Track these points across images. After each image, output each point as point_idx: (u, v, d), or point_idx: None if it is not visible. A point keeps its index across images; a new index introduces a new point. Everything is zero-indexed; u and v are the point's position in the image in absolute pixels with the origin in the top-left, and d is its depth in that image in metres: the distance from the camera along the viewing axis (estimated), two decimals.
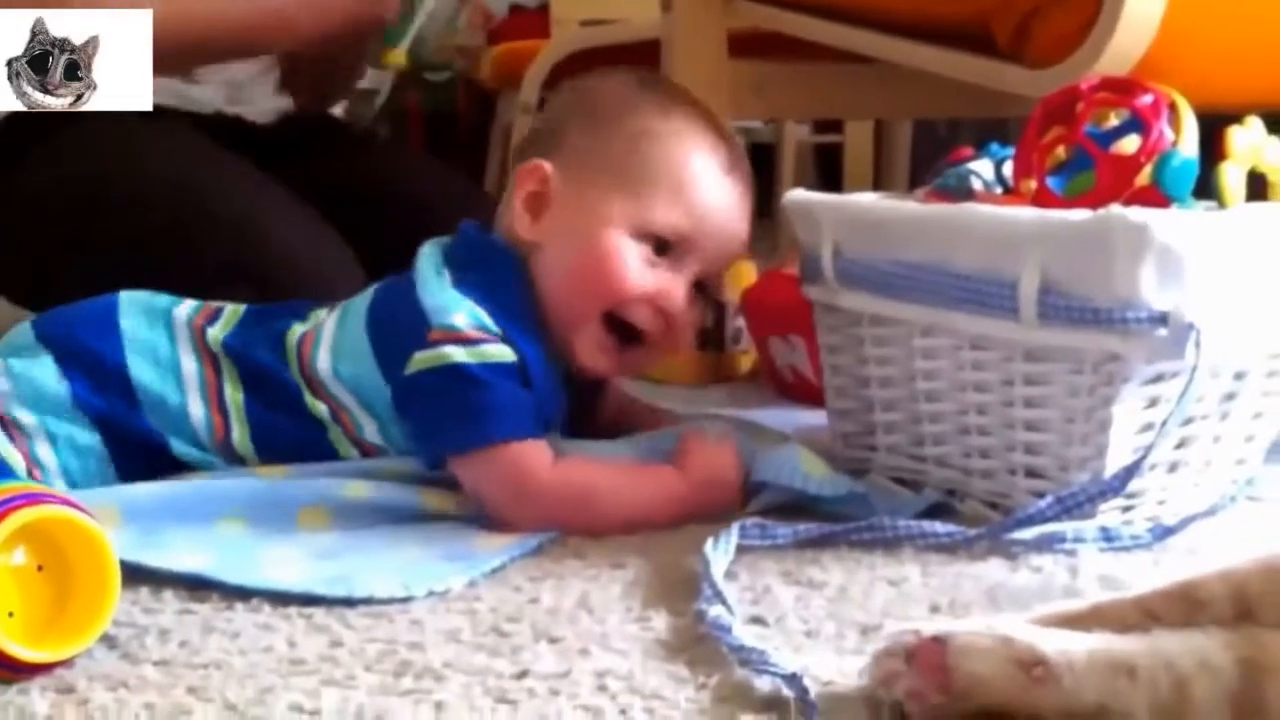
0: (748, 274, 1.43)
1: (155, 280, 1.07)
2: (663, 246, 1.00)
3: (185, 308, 1.04)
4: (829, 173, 3.16)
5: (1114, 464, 0.91)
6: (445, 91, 3.61)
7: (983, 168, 1.07)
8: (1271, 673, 0.61)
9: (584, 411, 1.07)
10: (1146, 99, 0.97)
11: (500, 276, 1.00)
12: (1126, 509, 0.94)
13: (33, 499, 0.73)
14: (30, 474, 0.95)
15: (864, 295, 1.02)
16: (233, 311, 1.05)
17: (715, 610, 0.77)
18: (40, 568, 0.73)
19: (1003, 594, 0.83)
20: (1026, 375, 0.94)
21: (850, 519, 0.93)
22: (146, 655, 0.75)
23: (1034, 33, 1.27)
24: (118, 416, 0.98)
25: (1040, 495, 0.92)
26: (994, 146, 1.09)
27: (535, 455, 0.94)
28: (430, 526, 0.94)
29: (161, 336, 1.01)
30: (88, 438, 0.98)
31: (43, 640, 0.71)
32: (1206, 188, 0.97)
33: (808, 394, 1.32)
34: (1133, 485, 0.91)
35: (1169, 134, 0.95)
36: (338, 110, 2.78)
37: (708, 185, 1.02)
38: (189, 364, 1.01)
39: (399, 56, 2.81)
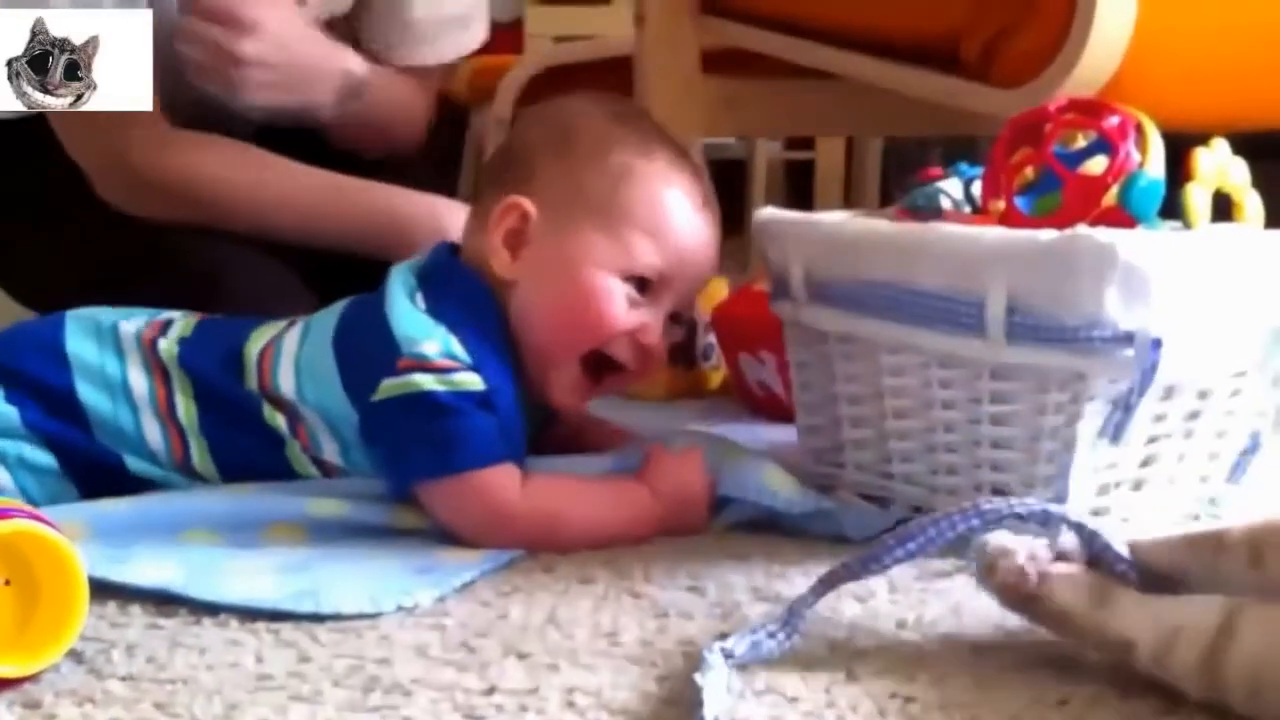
0: (718, 291, 1.44)
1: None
2: (643, 285, 1.01)
3: (132, 323, 1.03)
4: (800, 190, 3.17)
5: (1077, 482, 0.92)
6: None
7: (952, 187, 1.08)
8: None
9: (541, 427, 1.07)
10: (1113, 120, 0.98)
11: (473, 304, 0.99)
12: None
13: None
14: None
15: (832, 313, 1.03)
16: (185, 323, 1.04)
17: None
18: (7, 582, 0.72)
19: (967, 610, 0.83)
20: (993, 393, 0.94)
21: (814, 534, 0.95)
22: (113, 670, 0.74)
23: (1002, 53, 1.28)
24: (69, 438, 0.98)
25: None
26: (963, 166, 1.10)
27: (504, 481, 0.94)
28: (399, 541, 0.94)
29: (110, 357, 1.00)
30: (42, 457, 0.97)
31: (9, 655, 0.71)
32: (1174, 208, 0.98)
33: (777, 410, 1.33)
34: (1097, 503, 0.92)
35: (1135, 155, 0.96)
36: None
37: (685, 224, 1.02)
38: (139, 380, 1.00)
39: None
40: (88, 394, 0.99)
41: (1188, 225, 0.98)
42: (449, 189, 2.58)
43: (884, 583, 0.87)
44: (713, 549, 0.95)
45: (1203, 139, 1.01)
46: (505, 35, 3.21)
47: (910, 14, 1.37)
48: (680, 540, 0.96)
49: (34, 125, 1.28)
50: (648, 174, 1.02)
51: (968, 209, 1.07)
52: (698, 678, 0.70)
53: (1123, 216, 0.94)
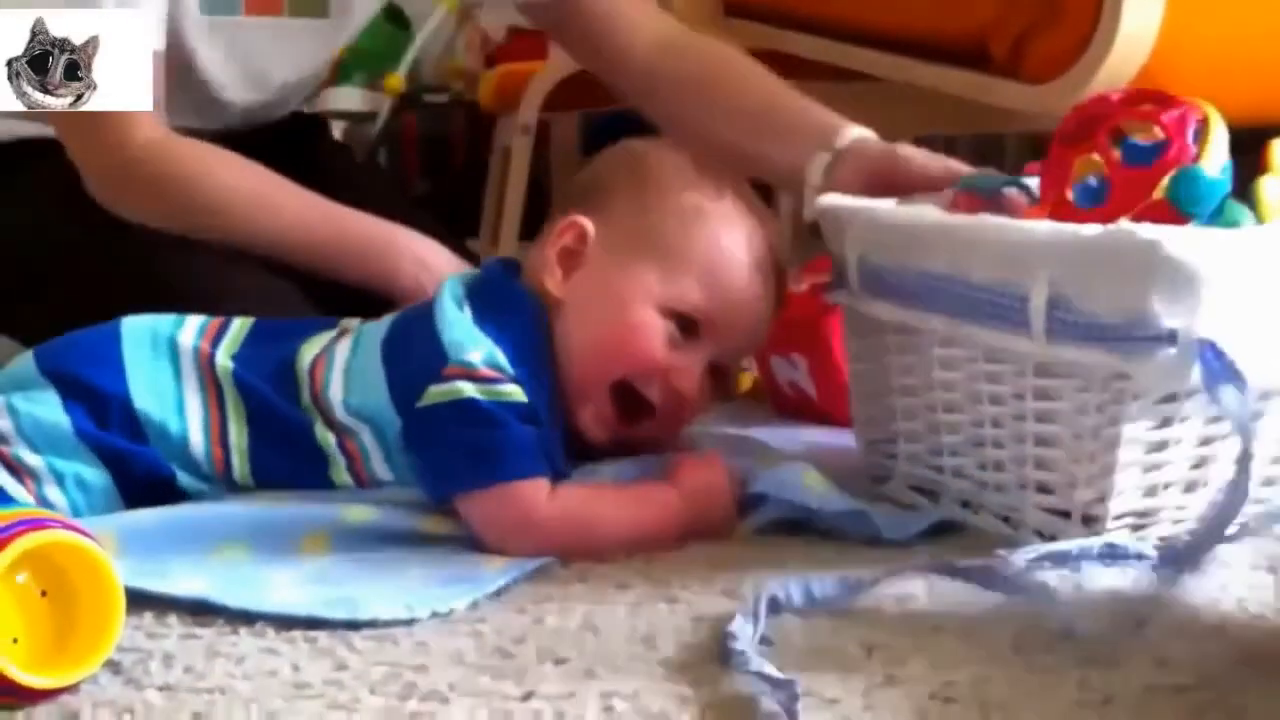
0: None
1: None
2: (687, 326, 1.00)
3: (190, 332, 1.02)
4: None
5: (1122, 483, 0.90)
6: (443, 114, 3.61)
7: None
8: None
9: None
10: (1174, 113, 0.95)
11: (521, 320, 0.99)
12: (1138, 528, 0.93)
13: (36, 524, 0.73)
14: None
15: (886, 303, 1.02)
16: (239, 328, 1.04)
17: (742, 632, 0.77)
18: (44, 593, 0.73)
19: (1006, 611, 0.83)
20: (1037, 390, 0.93)
21: (849, 536, 0.95)
22: (151, 681, 0.74)
23: (1030, 49, 1.28)
24: (123, 449, 0.98)
25: (1049, 512, 0.93)
26: None
27: (536, 492, 0.93)
28: (432, 549, 0.94)
29: (165, 369, 1.01)
30: (95, 475, 0.97)
31: (47, 666, 0.71)
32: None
33: (809, 411, 1.32)
34: (1145, 504, 0.91)
35: (1192, 150, 0.94)
36: (337, 133, 2.78)
37: (741, 273, 1.02)
38: (193, 400, 1.00)
39: (397, 80, 2.82)
40: (141, 398, 0.99)
41: (1260, 219, 0.94)
42: (474, 195, 2.59)
43: (922, 584, 0.87)
44: (748, 554, 0.94)
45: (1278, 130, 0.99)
46: (530, 42, 3.21)
47: (938, 12, 1.37)
48: (715, 545, 0.96)
49: (21, 149, 1.28)
50: (714, 217, 1.02)
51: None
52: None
53: (1170, 211, 0.92)
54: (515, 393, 0.94)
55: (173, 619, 0.83)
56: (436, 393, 0.94)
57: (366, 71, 2.95)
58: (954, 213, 1.01)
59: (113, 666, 0.75)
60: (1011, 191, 1.03)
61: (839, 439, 1.22)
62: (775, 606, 0.82)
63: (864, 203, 1.05)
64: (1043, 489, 0.94)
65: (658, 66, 1.27)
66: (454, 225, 1.33)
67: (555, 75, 2.16)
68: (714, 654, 0.77)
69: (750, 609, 0.80)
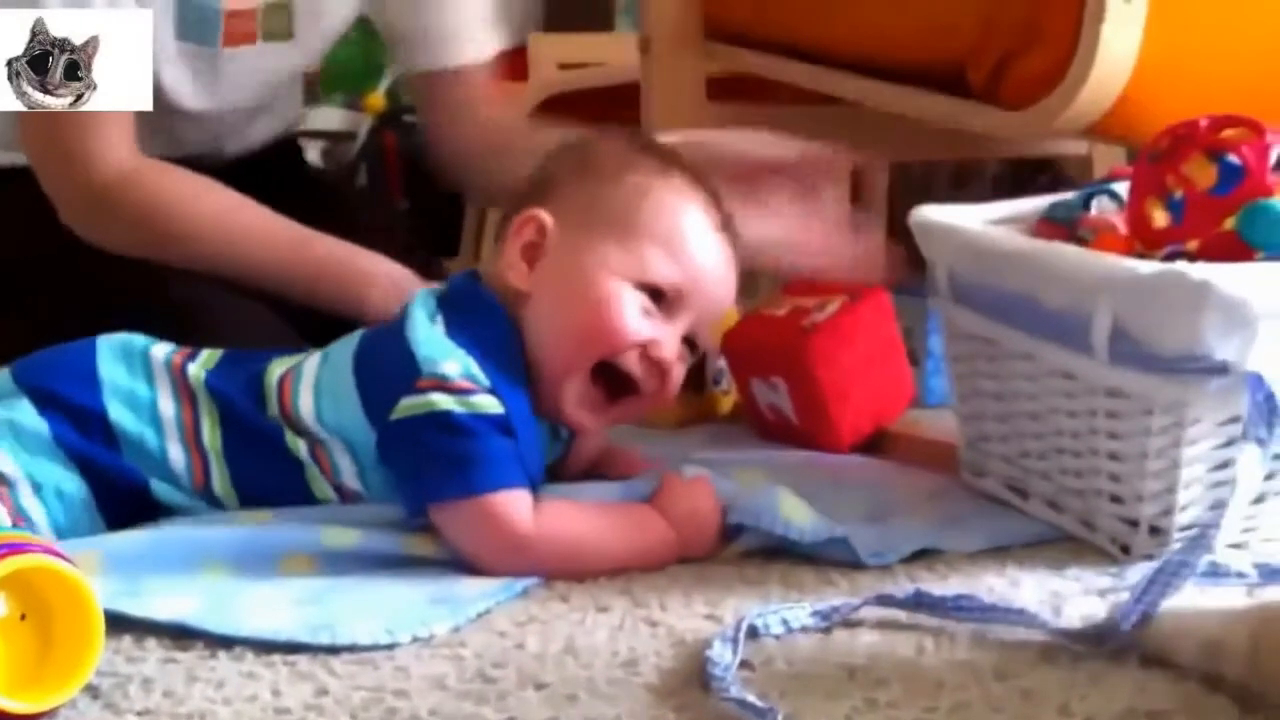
0: (729, 315, 1.44)
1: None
2: (657, 297, 1.01)
3: (162, 349, 1.03)
4: None
5: (1186, 499, 0.95)
6: (423, 133, 3.62)
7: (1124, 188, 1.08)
8: None
9: (560, 458, 1.07)
10: (1257, 142, 0.97)
11: (491, 329, 0.99)
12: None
13: (15, 548, 0.72)
14: (15, 525, 0.94)
15: (974, 315, 1.07)
16: (210, 353, 1.04)
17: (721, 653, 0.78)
18: (23, 617, 0.72)
19: (989, 635, 0.83)
20: (1107, 410, 0.97)
21: (829, 560, 0.95)
22: (130, 705, 0.74)
23: (1009, 75, 1.28)
24: (99, 457, 0.97)
25: (1122, 521, 0.97)
26: None
27: (517, 507, 0.93)
28: (413, 570, 0.94)
29: (140, 381, 1.01)
30: (73, 484, 0.97)
31: (26, 690, 0.71)
32: None
33: (789, 435, 1.32)
34: (1211, 516, 0.92)
35: (1270, 181, 0.95)
36: (313, 155, 2.78)
37: (701, 241, 1.03)
38: (167, 406, 1.00)
39: (378, 99, 2.81)
40: (117, 412, 0.99)
41: None
42: (454, 214, 2.58)
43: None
44: (729, 576, 0.94)
45: None
46: (509, 62, 3.22)
47: (916, 38, 1.37)
48: (696, 568, 0.96)
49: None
50: (665, 191, 1.03)
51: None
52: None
53: (1238, 244, 0.94)
54: (490, 404, 0.94)
55: (151, 643, 0.82)
56: (409, 405, 0.94)
57: (345, 91, 2.95)
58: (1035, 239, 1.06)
59: (91, 691, 0.75)
60: (1093, 213, 1.07)
61: (820, 460, 1.22)
62: (754, 633, 0.82)
63: (955, 218, 1.10)
64: (1115, 499, 0.98)
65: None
66: (435, 243, 1.33)
67: (535, 97, 2.16)
68: (696, 678, 0.77)
69: (729, 634, 0.80)
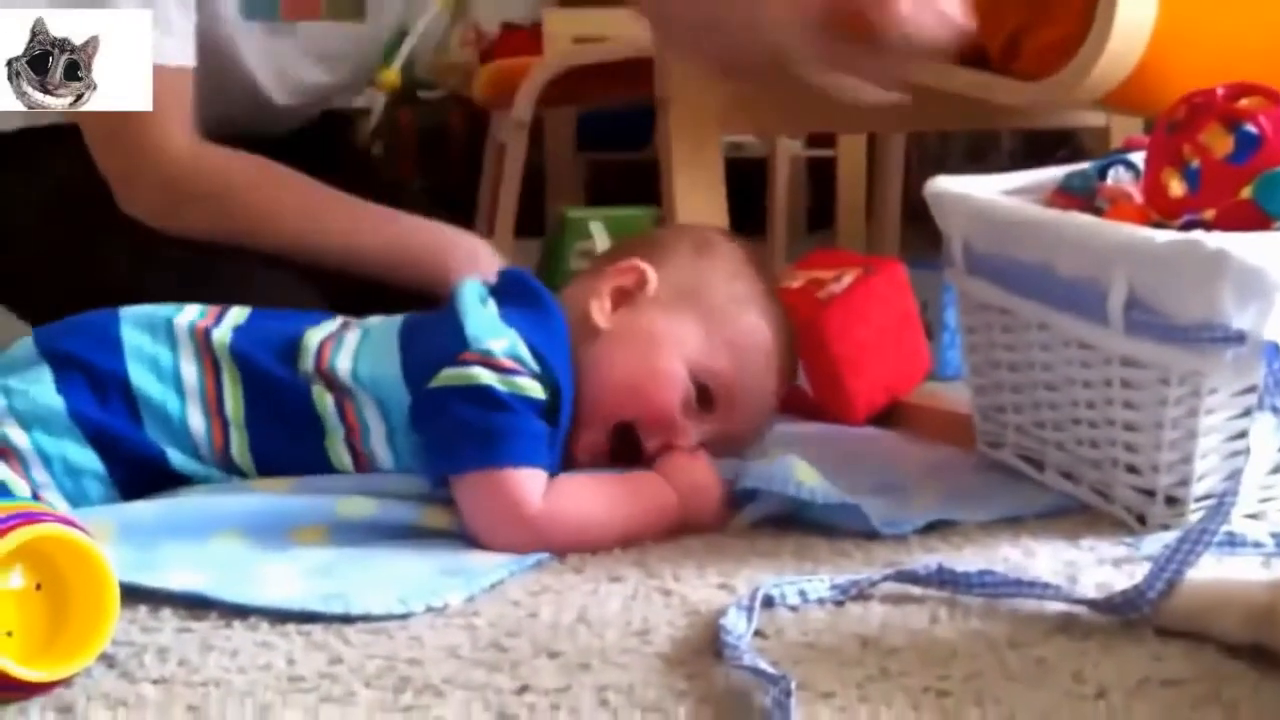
0: None
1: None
2: (703, 398, 1.02)
3: (187, 316, 1.03)
4: (823, 187, 3.16)
5: (1202, 469, 0.94)
6: (438, 109, 3.61)
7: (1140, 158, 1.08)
8: None
9: None
10: (1273, 110, 0.96)
11: (546, 319, 1.01)
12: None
13: (30, 518, 0.72)
14: (36, 496, 0.94)
15: (989, 286, 1.07)
16: (239, 311, 1.05)
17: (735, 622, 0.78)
18: (38, 587, 0.73)
19: (1000, 605, 0.83)
20: (1123, 379, 0.96)
21: (842, 530, 0.95)
22: (145, 674, 0.74)
23: (1025, 46, 1.27)
24: (117, 429, 0.98)
25: (1138, 491, 0.96)
26: None
27: (531, 485, 0.93)
28: (427, 542, 0.94)
29: (163, 348, 1.01)
30: (83, 456, 0.97)
31: (41, 660, 0.71)
32: None
33: (804, 407, 1.32)
34: (1228, 486, 0.91)
35: None
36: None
37: (765, 360, 1.05)
38: (190, 372, 1.00)
39: (392, 75, 2.81)
40: (139, 378, 0.99)
41: None
42: (470, 191, 2.59)
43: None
44: (742, 547, 0.94)
45: None
46: (523, 37, 3.21)
47: None
48: (709, 538, 0.96)
49: (39, 136, 1.28)
50: (757, 302, 1.06)
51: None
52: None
53: (1255, 212, 0.94)
54: (533, 387, 0.95)
55: (167, 612, 0.82)
56: (450, 375, 0.95)
57: None
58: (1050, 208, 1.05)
59: (107, 660, 0.75)
60: (1108, 183, 1.07)
61: (834, 433, 1.22)
62: (769, 603, 0.82)
63: (970, 188, 1.10)
64: (1131, 469, 0.98)
65: None
66: (450, 220, 1.34)
67: (550, 71, 2.16)
68: (709, 647, 0.77)
69: (744, 603, 0.80)
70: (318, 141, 1.46)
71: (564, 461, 1.00)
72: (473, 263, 1.20)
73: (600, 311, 1.03)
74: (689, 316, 1.03)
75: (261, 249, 1.24)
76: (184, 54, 1.22)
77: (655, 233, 1.15)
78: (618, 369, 1.01)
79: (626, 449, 1.01)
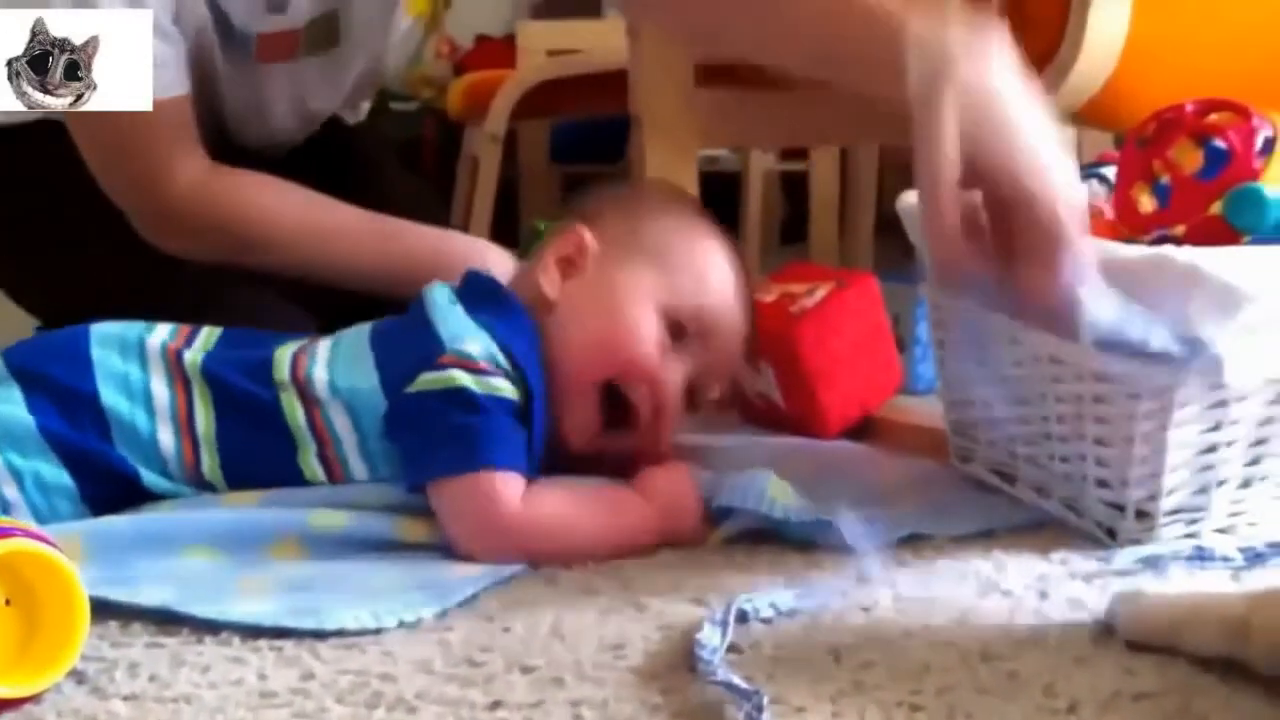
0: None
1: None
2: (676, 333, 1.03)
3: (158, 336, 1.03)
4: (796, 201, 3.17)
5: (1173, 483, 0.95)
6: (412, 122, 3.61)
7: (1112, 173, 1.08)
8: None
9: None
10: (1242, 126, 0.97)
11: (513, 318, 1.02)
12: (1191, 523, 0.97)
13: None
14: (6, 512, 0.93)
15: (956, 301, 1.06)
16: (209, 334, 1.04)
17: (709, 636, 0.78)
18: (8, 602, 0.72)
19: (974, 619, 0.83)
20: (1094, 394, 0.97)
21: (817, 545, 0.94)
22: (115, 690, 0.74)
23: None
24: (88, 448, 0.97)
25: (1109, 505, 0.96)
26: None
27: (509, 488, 0.93)
28: (402, 556, 0.93)
29: (134, 366, 1.01)
30: (53, 474, 0.96)
31: (10, 675, 0.71)
32: None
33: (777, 420, 1.32)
34: (1197, 500, 0.94)
35: (1256, 166, 0.96)
36: None
37: (729, 288, 1.07)
38: (160, 390, 1.00)
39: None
40: (109, 396, 0.99)
41: None
42: (443, 203, 2.59)
43: (889, 592, 0.87)
44: (717, 562, 0.94)
45: None
46: (497, 50, 3.22)
47: None
48: (684, 553, 0.96)
49: (47, 130, 1.27)
50: (702, 237, 1.08)
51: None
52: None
53: (1224, 228, 0.94)
54: (506, 389, 0.96)
55: (137, 627, 0.82)
56: (431, 379, 0.95)
57: None
58: None
59: (77, 676, 0.75)
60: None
61: (807, 446, 1.22)
62: (743, 617, 0.82)
63: None
64: (1101, 484, 0.98)
65: None
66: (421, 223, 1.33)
67: (523, 84, 2.16)
68: (683, 662, 0.77)
69: (718, 617, 0.80)
70: (324, 150, 1.47)
71: (558, 458, 1.01)
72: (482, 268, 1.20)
73: (551, 284, 1.04)
74: (637, 260, 1.04)
75: (269, 270, 1.24)
76: (176, 83, 1.21)
77: (580, 203, 1.14)
78: (586, 330, 1.02)
79: (616, 416, 1.01)
